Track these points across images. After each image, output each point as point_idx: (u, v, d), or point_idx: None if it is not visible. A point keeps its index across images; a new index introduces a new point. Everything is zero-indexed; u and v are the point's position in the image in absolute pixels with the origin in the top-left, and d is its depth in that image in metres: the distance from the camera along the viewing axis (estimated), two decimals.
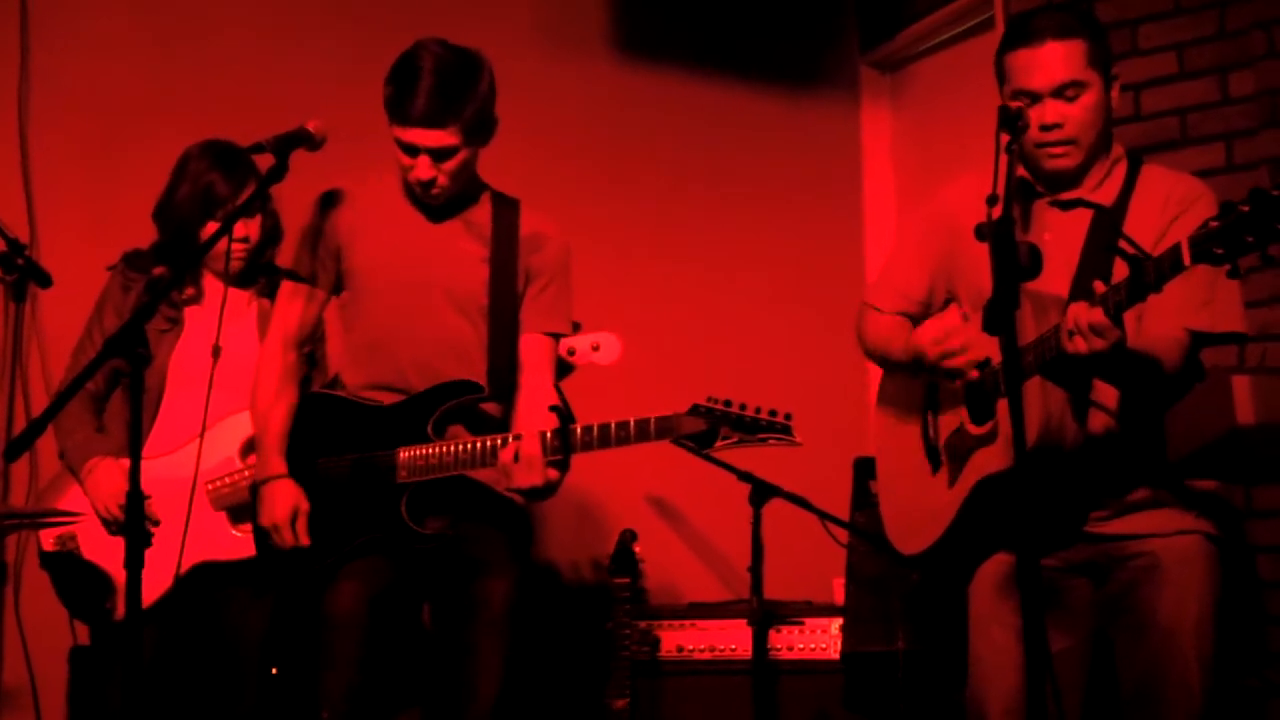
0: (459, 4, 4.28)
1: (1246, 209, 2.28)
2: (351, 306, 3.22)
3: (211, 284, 3.56)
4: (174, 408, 3.47)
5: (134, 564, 2.59)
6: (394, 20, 4.16)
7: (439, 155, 3.05)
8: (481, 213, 3.21)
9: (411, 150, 3.05)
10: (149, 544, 3.33)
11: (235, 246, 3.46)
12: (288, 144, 2.96)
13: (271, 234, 3.54)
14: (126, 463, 3.40)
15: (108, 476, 3.43)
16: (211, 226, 3.45)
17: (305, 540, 3.07)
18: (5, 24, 4.24)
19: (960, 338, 2.77)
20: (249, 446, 3.41)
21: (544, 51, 4.66)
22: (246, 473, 3.38)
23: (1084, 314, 2.49)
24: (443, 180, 3.08)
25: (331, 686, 3.09)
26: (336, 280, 3.22)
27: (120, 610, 3.38)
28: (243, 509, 3.36)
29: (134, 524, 2.62)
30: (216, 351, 3.43)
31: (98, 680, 3.50)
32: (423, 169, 3.06)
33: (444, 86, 3.01)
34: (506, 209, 3.21)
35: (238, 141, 3.45)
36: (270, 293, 3.52)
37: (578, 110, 4.72)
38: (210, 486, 3.42)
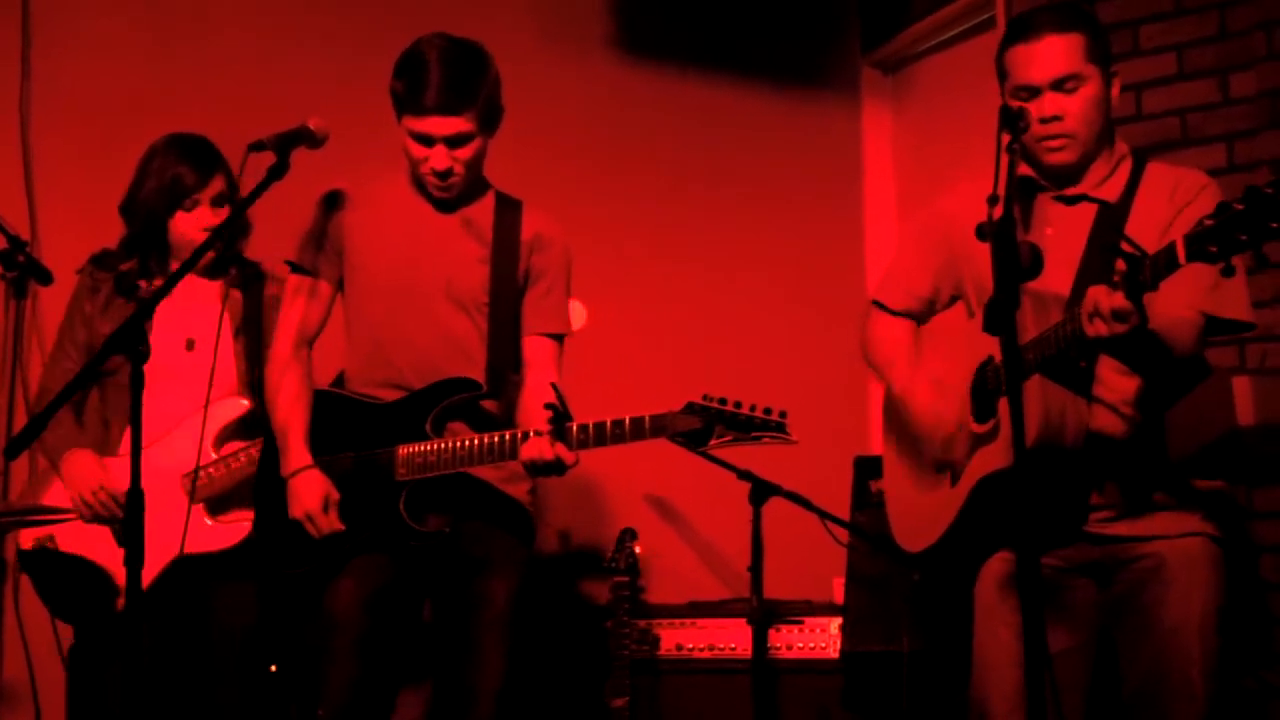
0: (459, 3, 4.28)
1: (1241, 207, 2.29)
2: (353, 305, 3.23)
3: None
4: (147, 402, 3.44)
5: (133, 561, 2.59)
6: (394, 20, 4.15)
7: (454, 142, 3.06)
8: (483, 212, 3.21)
9: (427, 140, 3.06)
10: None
11: (205, 236, 3.44)
12: (289, 142, 2.96)
13: (241, 227, 3.53)
14: (98, 455, 3.41)
15: (83, 466, 3.41)
16: (179, 216, 3.45)
17: (339, 526, 3.07)
18: (7, 24, 4.25)
19: (949, 422, 2.84)
20: (223, 436, 3.41)
21: (544, 51, 4.66)
22: (221, 464, 3.38)
23: (1105, 298, 2.49)
24: (458, 169, 3.09)
25: (332, 683, 3.09)
26: (340, 276, 3.23)
27: (119, 599, 3.38)
28: (219, 500, 3.37)
29: (133, 521, 2.62)
30: (190, 344, 3.44)
31: (90, 678, 3.47)
32: (439, 158, 3.07)
33: (455, 74, 3.03)
34: (509, 210, 3.22)
35: (237, 141, 3.45)
36: (240, 284, 3.52)
37: (578, 109, 4.73)
38: (186, 479, 3.42)
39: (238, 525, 3.39)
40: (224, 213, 3.48)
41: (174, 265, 3.54)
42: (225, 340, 3.46)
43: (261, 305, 3.54)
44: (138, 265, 3.49)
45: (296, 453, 3.12)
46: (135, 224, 3.51)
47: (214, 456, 3.42)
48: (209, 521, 3.40)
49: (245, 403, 3.45)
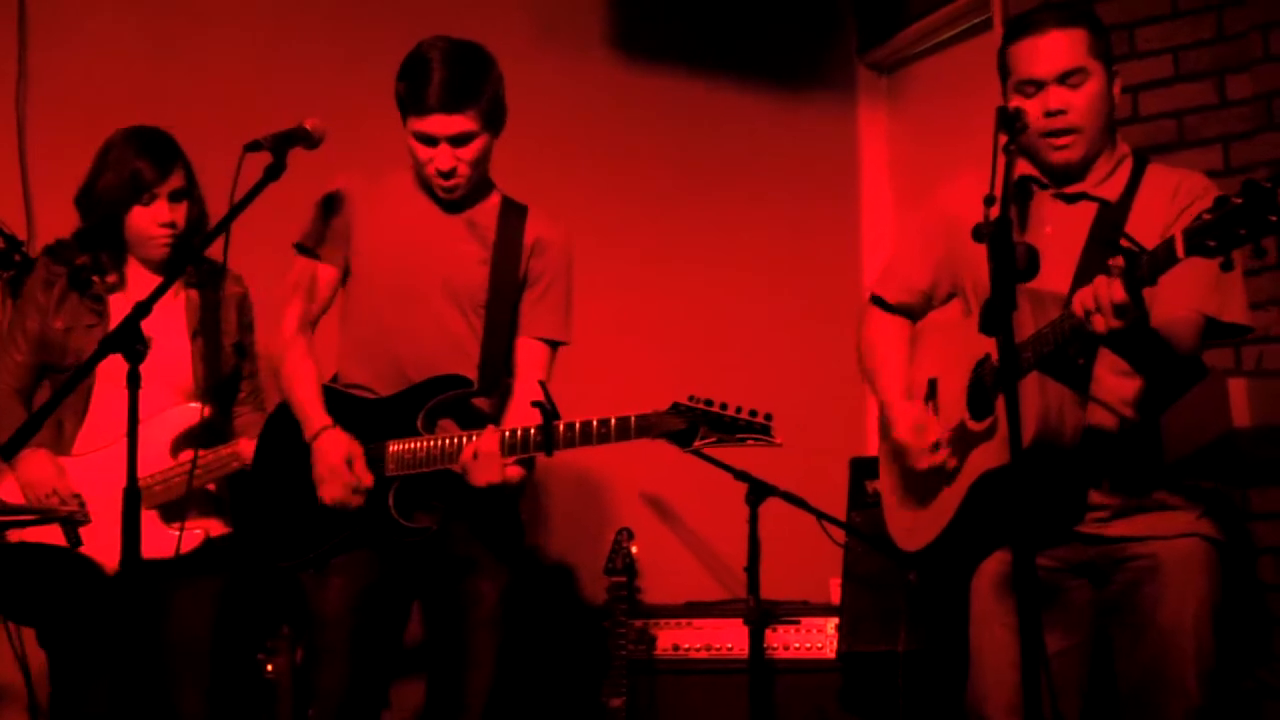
0: (456, 4, 4.28)
1: (1239, 201, 2.29)
2: (352, 298, 3.24)
3: (135, 271, 3.49)
4: (103, 403, 3.39)
5: (130, 556, 2.58)
6: (392, 20, 4.16)
7: (458, 141, 3.08)
8: (487, 215, 3.22)
9: (431, 140, 3.07)
10: (80, 543, 3.32)
11: (161, 231, 3.42)
12: (285, 142, 2.96)
13: (198, 223, 3.49)
14: (53, 455, 3.36)
15: (38, 467, 3.36)
16: (136, 211, 3.41)
17: (367, 479, 3.06)
18: (3, 22, 4.24)
19: (932, 435, 2.85)
20: (180, 443, 3.39)
21: (541, 50, 4.66)
22: (178, 470, 3.35)
23: (1104, 290, 2.49)
24: (463, 169, 3.10)
25: (321, 682, 3.10)
26: (345, 265, 3.24)
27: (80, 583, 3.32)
28: (175, 506, 3.35)
29: (130, 520, 2.61)
30: (148, 343, 3.40)
31: (73, 691, 3.43)
32: (443, 158, 3.08)
33: (458, 74, 3.05)
34: (514, 214, 3.22)
35: (234, 140, 3.45)
36: (199, 283, 3.49)
37: (575, 110, 4.72)
38: (141, 484, 3.36)
39: (190, 533, 3.33)
40: (181, 208, 3.44)
41: (130, 259, 3.49)
42: (179, 340, 3.43)
43: (219, 306, 3.50)
44: (91, 260, 3.45)
45: (316, 417, 3.12)
46: (91, 217, 3.46)
47: (171, 462, 3.38)
48: (167, 530, 3.34)
49: (199, 408, 3.40)
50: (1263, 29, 3.77)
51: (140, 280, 3.44)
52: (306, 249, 3.23)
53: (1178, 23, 3.91)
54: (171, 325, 3.45)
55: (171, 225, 3.43)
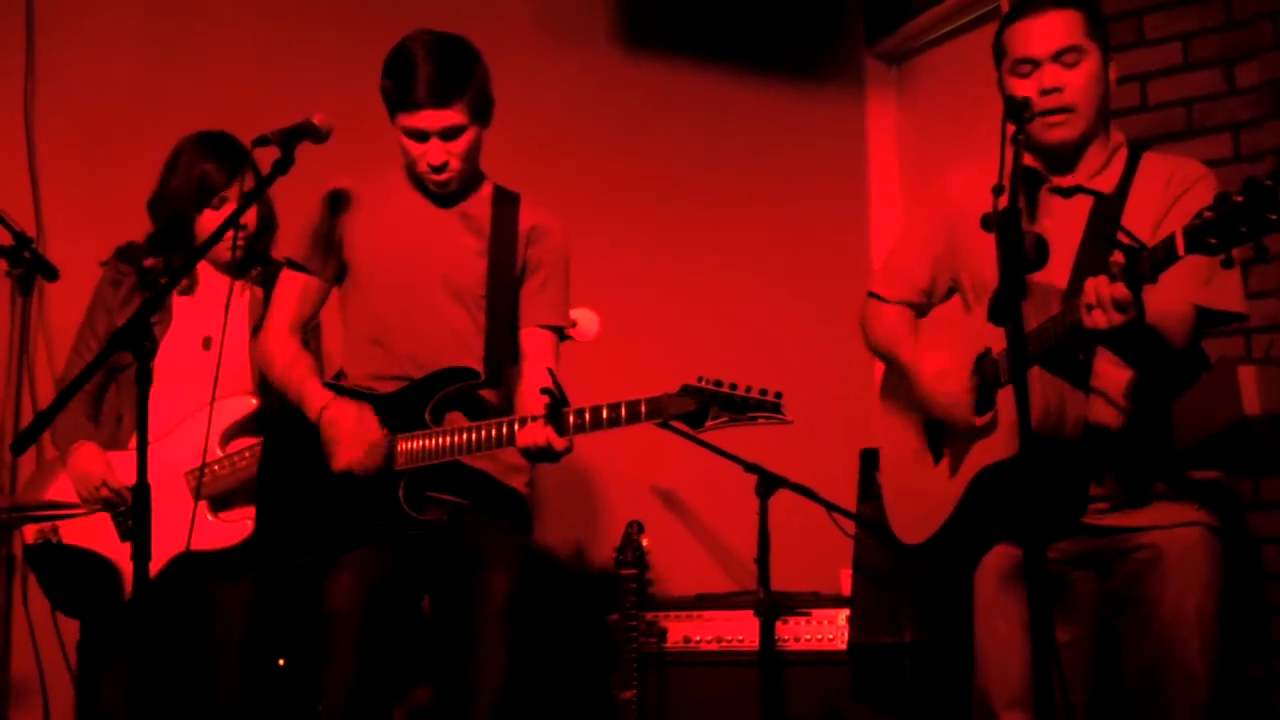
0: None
1: (1240, 199, 2.28)
2: (352, 298, 3.24)
3: (204, 273, 3.54)
4: (160, 399, 3.42)
5: (141, 555, 2.59)
6: (393, 18, 4.14)
7: (447, 135, 3.08)
8: (481, 206, 3.23)
9: (421, 135, 3.08)
10: (128, 535, 3.36)
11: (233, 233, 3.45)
12: (293, 137, 2.96)
13: (266, 223, 3.54)
14: (103, 449, 3.42)
15: (88, 459, 3.43)
16: (207, 214, 3.46)
17: (376, 433, 3.06)
18: (11, 20, 4.25)
19: (958, 381, 2.82)
20: (230, 433, 3.41)
21: (547, 44, 4.67)
22: (226, 461, 3.39)
23: (1105, 288, 2.49)
24: (455, 163, 3.11)
25: (330, 678, 3.10)
26: (336, 272, 3.24)
27: (123, 591, 3.38)
28: (222, 497, 3.38)
29: (140, 517, 2.61)
30: (207, 343, 3.43)
31: (99, 669, 3.48)
32: (434, 153, 3.09)
33: (443, 68, 3.05)
34: (507, 203, 3.23)
35: (239, 136, 3.46)
36: (263, 282, 3.52)
37: (583, 102, 4.73)
38: (190, 475, 3.41)
39: (240, 524, 3.38)
40: (252, 210, 3.48)
41: (199, 263, 3.54)
42: (241, 337, 3.46)
43: None
44: (162, 263, 3.49)
45: (317, 396, 3.13)
46: (161, 220, 3.52)
47: (220, 454, 3.42)
48: (210, 518, 3.40)
49: (254, 401, 3.45)
50: (1271, 16, 3.76)
51: (210, 281, 3.48)
52: (296, 264, 3.24)
53: (1186, 10, 3.90)
54: (234, 324, 3.48)
55: (244, 228, 3.46)
